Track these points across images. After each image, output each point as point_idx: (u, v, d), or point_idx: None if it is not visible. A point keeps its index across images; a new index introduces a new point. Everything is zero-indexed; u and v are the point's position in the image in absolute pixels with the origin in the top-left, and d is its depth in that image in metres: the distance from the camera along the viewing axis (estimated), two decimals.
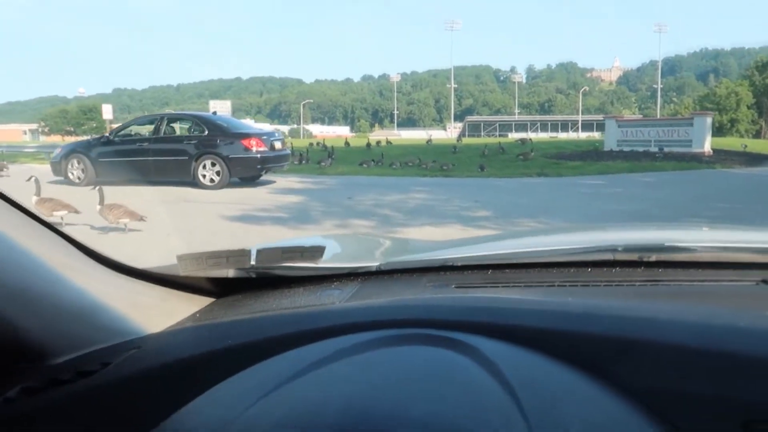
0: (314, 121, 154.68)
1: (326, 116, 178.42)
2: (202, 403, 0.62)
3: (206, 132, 11.06)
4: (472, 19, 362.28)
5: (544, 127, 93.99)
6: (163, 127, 11.47)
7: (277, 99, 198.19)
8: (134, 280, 0.83)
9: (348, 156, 19.02)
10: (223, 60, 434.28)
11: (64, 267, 0.71)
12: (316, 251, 0.89)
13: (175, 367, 0.69)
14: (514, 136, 62.89)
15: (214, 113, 12.58)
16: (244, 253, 0.84)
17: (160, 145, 11.10)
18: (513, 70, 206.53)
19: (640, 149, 19.25)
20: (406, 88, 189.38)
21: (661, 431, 0.52)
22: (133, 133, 11.91)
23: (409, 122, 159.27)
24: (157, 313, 0.79)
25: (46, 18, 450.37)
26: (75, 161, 11.49)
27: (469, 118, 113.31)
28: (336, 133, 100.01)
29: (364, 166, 16.68)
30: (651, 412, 0.53)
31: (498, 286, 0.83)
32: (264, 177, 12.01)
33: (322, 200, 9.07)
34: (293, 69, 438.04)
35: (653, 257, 0.87)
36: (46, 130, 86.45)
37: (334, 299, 0.79)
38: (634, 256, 0.87)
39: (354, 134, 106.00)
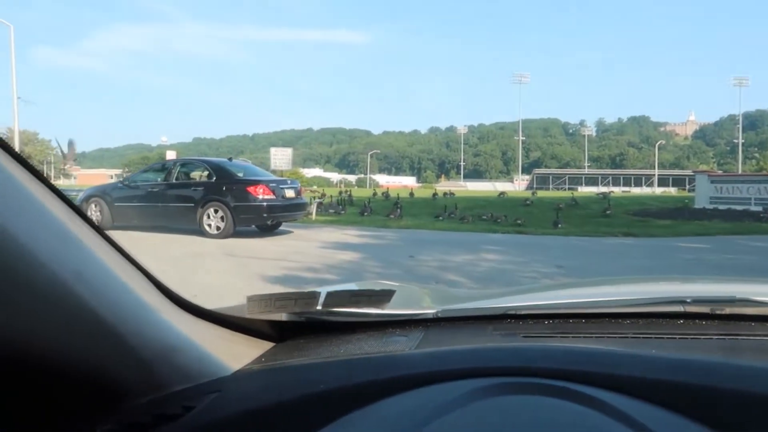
0: (381, 171, 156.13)
1: (393, 166, 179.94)
2: None
3: (214, 178, 10.64)
4: (540, 72, 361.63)
5: (615, 181, 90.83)
6: (175, 173, 11.19)
7: (346, 149, 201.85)
8: (202, 321, 0.82)
9: (412, 207, 18.06)
10: (295, 111, 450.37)
11: (148, 306, 0.69)
12: (385, 297, 0.88)
13: (258, 414, 0.67)
14: (584, 189, 61.00)
15: (230, 159, 11.95)
16: (313, 296, 0.84)
17: (169, 191, 10.86)
18: (582, 123, 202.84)
19: (738, 208, 17.37)
20: (473, 140, 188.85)
21: None
22: (149, 179, 11.63)
23: (475, 174, 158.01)
24: (226, 356, 0.77)
25: (134, 70, 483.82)
26: (93, 205, 11.51)
27: (537, 170, 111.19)
28: (402, 183, 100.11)
29: (440, 218, 15.77)
30: None
31: (568, 337, 0.80)
32: (319, 229, 11.16)
33: (380, 258, 8.00)
34: (362, 121, 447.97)
35: (725, 310, 0.85)
36: (129, 175, 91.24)
37: (403, 346, 0.77)
38: (705, 309, 0.85)
39: (420, 185, 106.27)
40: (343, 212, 17.13)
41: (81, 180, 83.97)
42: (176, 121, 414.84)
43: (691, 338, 0.78)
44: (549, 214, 16.56)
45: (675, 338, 0.78)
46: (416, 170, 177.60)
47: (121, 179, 12.24)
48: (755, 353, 0.72)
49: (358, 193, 27.98)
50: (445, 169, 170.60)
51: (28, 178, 0.57)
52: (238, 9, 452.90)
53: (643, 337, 0.78)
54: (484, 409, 0.59)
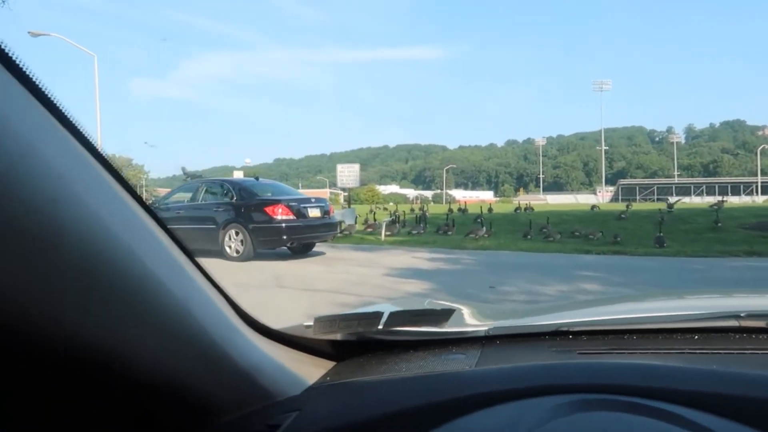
0: (458, 186, 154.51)
1: (469, 181, 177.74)
2: None
3: (234, 199, 10.04)
4: (622, 78, 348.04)
5: (710, 190, 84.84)
6: (201, 195, 10.64)
7: (422, 165, 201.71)
8: (271, 340, 0.84)
9: (492, 224, 16.55)
10: (372, 129, 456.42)
11: (228, 326, 0.71)
12: (444, 316, 0.90)
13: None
14: (673, 200, 56.45)
15: (257, 178, 11.26)
16: (377, 316, 0.86)
17: (194, 213, 10.40)
18: (670, 130, 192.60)
19: None
20: (552, 152, 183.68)
21: None
22: (177, 202, 11.17)
23: (555, 186, 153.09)
24: (296, 375, 0.80)
25: (220, 96, 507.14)
26: None
27: (623, 181, 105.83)
28: (479, 197, 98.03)
29: (528, 237, 14.15)
30: None
31: (624, 353, 0.79)
32: (386, 252, 10.00)
33: (453, 290, 6.62)
34: (438, 136, 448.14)
35: None
36: None
37: (463, 364, 0.79)
38: (761, 323, 0.84)
39: (498, 199, 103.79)
40: (421, 231, 15.72)
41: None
42: (259, 143, 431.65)
43: (749, 353, 0.77)
44: (648, 229, 14.66)
45: (732, 353, 0.77)
46: (494, 184, 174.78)
47: (151, 201, 11.87)
48: None
49: (434, 209, 26.64)
50: (523, 183, 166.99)
51: (140, 209, 0.59)
52: (317, 33, 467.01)
53: (700, 353, 0.78)
54: (566, 425, 0.59)
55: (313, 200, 10.50)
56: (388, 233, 15.31)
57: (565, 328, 0.90)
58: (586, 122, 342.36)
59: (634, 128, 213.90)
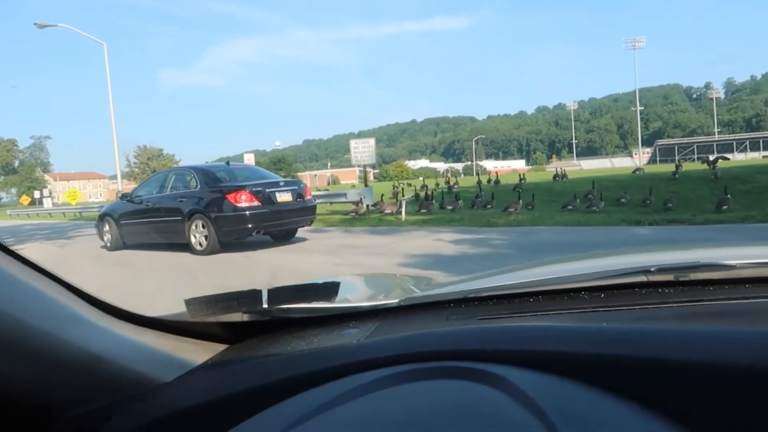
0: (488, 156, 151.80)
1: (500, 151, 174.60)
2: None
3: (198, 186, 9.12)
4: (656, 35, 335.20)
5: (754, 145, 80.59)
6: (169, 184, 9.75)
7: (451, 137, 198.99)
8: (144, 329, 0.80)
9: (526, 195, 15.03)
10: (399, 105, 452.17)
11: (65, 318, 0.68)
12: (331, 289, 0.89)
13: (184, 417, 0.68)
14: (713, 158, 53.84)
15: (227, 163, 10.17)
16: (255, 294, 0.82)
17: (160, 204, 9.60)
18: (708, 85, 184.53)
19: None
20: (584, 116, 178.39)
21: None
22: (148, 193, 10.26)
23: (589, 151, 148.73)
24: (169, 363, 0.77)
25: (247, 81, 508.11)
26: (106, 225, 10.63)
27: (660, 141, 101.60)
28: (511, 167, 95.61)
29: (569, 208, 12.52)
30: None
31: (525, 316, 0.79)
32: (406, 234, 8.69)
33: None
34: (466, 107, 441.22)
35: (690, 276, 0.83)
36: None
37: (353, 338, 0.77)
38: (669, 277, 0.83)
39: (530, 167, 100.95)
40: (455, 207, 14.18)
41: None
42: (288, 126, 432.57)
43: (652, 307, 0.76)
44: (701, 192, 13.04)
45: (635, 309, 0.76)
46: (525, 153, 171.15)
47: (122, 194, 11.10)
48: (710, 317, 0.71)
49: (465, 182, 24.96)
50: (555, 149, 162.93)
51: None
52: (340, 11, 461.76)
53: (603, 310, 0.77)
54: (379, 397, 0.58)
55: (282, 183, 9.45)
56: (423, 211, 13.97)
57: (472, 295, 0.88)
58: (618, 83, 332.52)
59: (670, 86, 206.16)
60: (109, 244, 10.56)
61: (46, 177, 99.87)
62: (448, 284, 1.12)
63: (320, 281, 0.93)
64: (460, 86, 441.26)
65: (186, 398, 0.69)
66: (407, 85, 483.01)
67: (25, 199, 49.82)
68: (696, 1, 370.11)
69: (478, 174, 31.25)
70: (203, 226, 8.81)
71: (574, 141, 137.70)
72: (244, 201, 8.60)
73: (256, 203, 8.68)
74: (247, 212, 8.60)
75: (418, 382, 0.60)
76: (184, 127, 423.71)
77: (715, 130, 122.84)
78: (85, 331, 0.68)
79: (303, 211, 9.47)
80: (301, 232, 10.76)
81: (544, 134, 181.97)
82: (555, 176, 20.66)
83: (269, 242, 9.68)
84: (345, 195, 14.24)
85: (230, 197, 8.63)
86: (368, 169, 14.65)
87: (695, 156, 72.82)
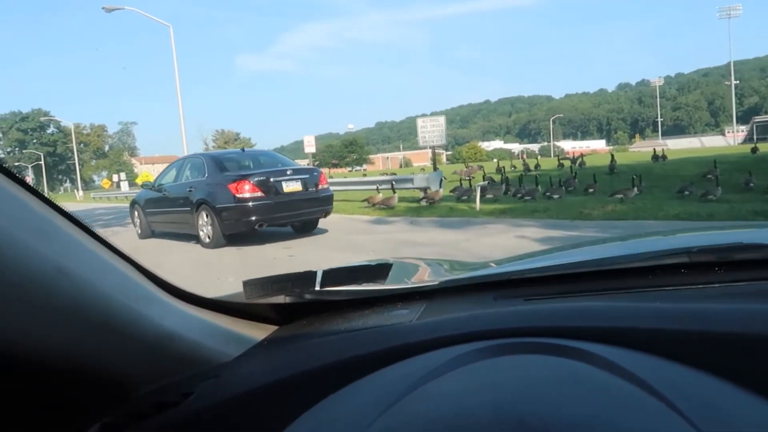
0: (565, 137, 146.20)
1: (578, 131, 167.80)
2: (310, 423, 0.60)
3: (206, 175, 8.50)
4: (749, 2, 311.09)
5: None
6: (184, 173, 9.21)
7: (526, 118, 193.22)
8: (202, 309, 0.82)
9: (617, 180, 13.08)
10: (472, 85, 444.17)
11: (139, 297, 0.70)
12: (382, 271, 0.91)
13: (258, 394, 0.70)
14: None
15: (242, 150, 9.73)
16: (310, 276, 0.85)
17: (174, 193, 9.10)
18: None
19: None
20: (671, 93, 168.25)
21: None
22: (167, 182, 9.77)
23: (675, 130, 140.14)
24: (230, 341, 0.79)
25: (319, 65, 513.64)
26: (135, 213, 10.40)
27: (758, 118, 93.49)
28: (590, 147, 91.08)
29: (687, 193, 10.56)
30: None
31: (570, 296, 0.79)
32: (481, 228, 7.29)
33: None
34: (542, 86, 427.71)
35: (732, 257, 0.82)
36: (316, 164, 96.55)
37: (405, 318, 0.78)
38: (712, 258, 0.83)
39: (610, 147, 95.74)
40: (528, 197, 12.11)
41: None
42: (360, 108, 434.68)
43: (698, 287, 0.76)
44: None
45: (680, 289, 0.77)
46: (605, 132, 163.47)
47: (143, 182, 10.97)
48: (757, 297, 0.71)
49: (543, 164, 22.83)
50: (639, 128, 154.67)
51: (21, 191, 0.57)
52: None
53: (648, 291, 0.77)
54: (474, 371, 0.59)
55: (289, 172, 8.43)
56: (489, 196, 12.37)
57: (516, 277, 0.88)
58: (709, 56, 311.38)
59: None
60: (139, 232, 10.27)
61: (133, 161, 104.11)
62: (486, 266, 1.11)
63: (373, 262, 0.93)
64: (535, 65, 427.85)
65: (255, 376, 0.71)
66: (479, 65, 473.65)
67: (106, 183, 51.59)
68: None
69: (558, 156, 28.69)
70: (208, 217, 8.21)
71: (659, 119, 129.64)
72: (246, 191, 7.92)
73: (259, 194, 7.98)
74: (250, 203, 7.91)
75: (505, 356, 0.60)
76: (259, 112, 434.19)
77: None
78: (157, 309, 0.70)
79: (315, 202, 8.61)
80: (359, 225, 9.56)
81: (626, 113, 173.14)
82: (653, 157, 18.33)
83: (301, 236, 8.80)
84: (411, 180, 12.79)
85: (232, 187, 7.96)
86: (439, 151, 13.15)
87: None
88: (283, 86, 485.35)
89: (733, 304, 0.65)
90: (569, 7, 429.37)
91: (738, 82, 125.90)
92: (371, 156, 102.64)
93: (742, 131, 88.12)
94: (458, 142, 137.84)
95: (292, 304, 0.86)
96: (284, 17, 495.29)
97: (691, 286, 0.76)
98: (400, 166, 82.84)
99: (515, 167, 21.02)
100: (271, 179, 8.17)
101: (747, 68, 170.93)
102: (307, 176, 8.62)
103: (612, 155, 18.09)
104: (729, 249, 0.84)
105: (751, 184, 10.51)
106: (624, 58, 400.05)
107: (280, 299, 0.85)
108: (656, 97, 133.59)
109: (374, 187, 13.80)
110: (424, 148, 13.35)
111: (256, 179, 8.05)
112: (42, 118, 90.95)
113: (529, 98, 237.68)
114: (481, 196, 11.76)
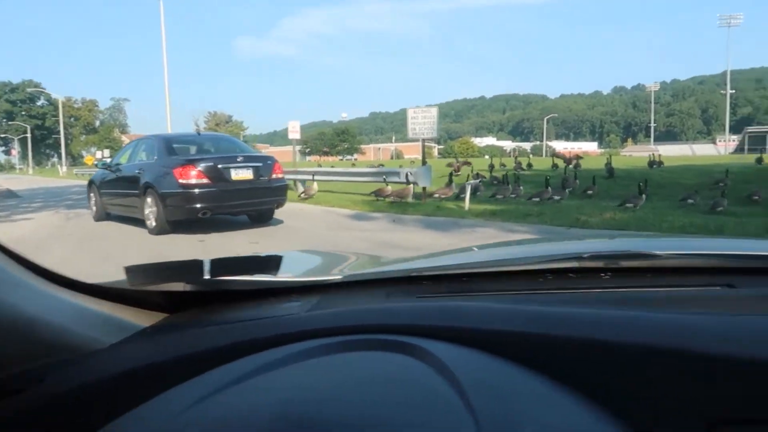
0: (558, 137, 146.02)
1: (571, 131, 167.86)
2: (135, 415, 0.59)
3: (156, 158, 8.07)
4: (750, 12, 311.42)
5: None
6: (138, 154, 8.76)
7: (520, 116, 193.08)
8: (80, 294, 0.80)
9: (613, 185, 12.43)
10: (468, 80, 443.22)
11: (7, 280, 0.69)
12: (273, 263, 0.89)
13: (116, 382, 0.69)
14: None
15: (198, 132, 9.16)
16: (197, 265, 0.81)
17: (126, 174, 8.63)
18: None
19: None
20: (666, 98, 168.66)
21: None
22: (120, 164, 9.31)
23: (668, 136, 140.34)
24: (107, 328, 0.77)
25: (319, 52, 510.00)
26: (91, 193, 9.96)
27: (750, 128, 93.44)
28: (581, 149, 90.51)
29: (690, 201, 9.92)
30: (615, 415, 0.53)
31: (463, 296, 0.83)
32: (470, 232, 6.70)
33: None
34: (538, 85, 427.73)
35: (619, 264, 0.88)
36: (307, 151, 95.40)
37: (293, 311, 0.78)
38: (599, 264, 0.87)
39: (602, 150, 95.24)
40: (513, 195, 11.73)
41: None
42: (355, 97, 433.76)
43: (582, 291, 0.80)
44: None
45: (565, 292, 0.80)
46: (597, 134, 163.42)
47: (101, 162, 10.66)
48: (634, 303, 0.74)
49: (536, 163, 22.05)
50: (631, 132, 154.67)
51: None
52: None
53: (534, 293, 0.81)
54: (307, 366, 0.60)
55: (240, 159, 7.92)
56: (500, 197, 11.60)
57: (413, 274, 0.90)
58: (705, 65, 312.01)
59: (764, 69, 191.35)
60: (94, 213, 9.85)
61: (123, 138, 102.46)
62: (391, 263, 1.11)
63: (263, 254, 0.90)
64: (533, 63, 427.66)
65: (120, 363, 0.69)
66: (477, 60, 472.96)
67: (89, 159, 50.30)
68: None
69: (552, 156, 27.90)
70: (153, 203, 7.72)
71: (652, 124, 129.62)
72: (191, 177, 7.46)
73: (204, 180, 7.52)
74: (195, 190, 7.46)
75: (348, 353, 0.62)
76: (255, 96, 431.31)
77: None
78: (21, 294, 0.68)
79: (266, 191, 8.13)
80: (339, 219, 8.84)
81: (620, 116, 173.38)
82: (650, 163, 17.71)
83: (270, 228, 8.16)
84: (398, 174, 11.88)
85: (176, 172, 7.47)
86: (430, 144, 12.36)
87: None
88: (280, 71, 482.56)
89: (597, 309, 0.65)
90: (571, 8, 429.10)
91: (733, 91, 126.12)
92: (363, 146, 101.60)
93: (734, 141, 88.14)
94: (451, 136, 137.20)
95: (184, 292, 0.83)
96: (287, 2, 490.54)
97: (576, 290, 0.80)
98: (392, 158, 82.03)
99: (505, 165, 20.25)
100: (219, 166, 7.71)
101: (743, 78, 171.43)
102: (259, 164, 8.11)
103: (610, 158, 17.33)
104: (616, 256, 0.90)
105: (756, 197, 9.84)
106: (621, 61, 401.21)
107: (170, 287, 0.81)
108: (651, 102, 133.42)
109: (359, 179, 13.25)
110: (415, 140, 12.50)
111: (202, 165, 7.61)
112: (31, 89, 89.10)
113: (525, 96, 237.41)
114: (473, 194, 11.03)
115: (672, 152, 74.71)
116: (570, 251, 0.96)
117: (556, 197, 10.99)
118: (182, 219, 7.70)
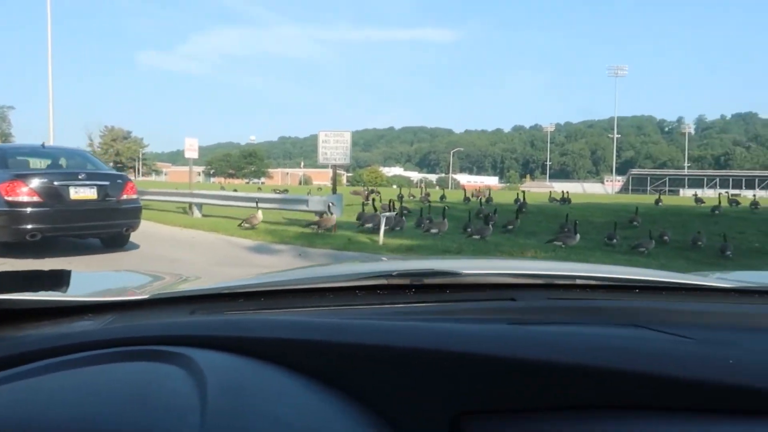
0: (462, 170, 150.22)
1: (474, 165, 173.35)
2: None
3: None
4: (633, 66, 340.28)
5: (723, 183, 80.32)
6: None
7: (427, 148, 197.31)
8: None
9: (523, 221, 12.24)
10: (378, 110, 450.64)
11: None
12: (61, 279, 0.83)
13: None
14: (686, 192, 53.93)
15: (43, 145, 8.19)
16: None
17: None
18: (680, 120, 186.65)
19: None
20: (560, 139, 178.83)
21: (377, 428, 0.54)
22: None
23: (561, 174, 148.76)
24: None
25: (227, 72, 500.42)
26: None
27: (634, 170, 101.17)
28: (484, 183, 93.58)
29: (614, 241, 9.77)
30: (378, 413, 0.56)
31: (269, 311, 0.85)
32: None
33: None
34: (445, 120, 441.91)
35: (423, 281, 0.96)
36: (211, 172, 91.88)
37: (87, 329, 0.75)
38: (405, 281, 0.95)
39: (503, 185, 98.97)
40: (435, 230, 10.69)
41: (172, 177, 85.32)
42: (264, 121, 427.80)
43: (387, 306, 0.87)
44: (749, 232, 10.57)
45: (371, 307, 0.86)
46: (499, 170, 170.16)
47: None
48: (431, 315, 0.81)
49: (443, 196, 21.85)
50: (529, 169, 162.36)
51: None
52: (328, 10, 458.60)
53: (342, 307, 0.85)
54: (60, 378, 0.58)
55: (82, 176, 7.16)
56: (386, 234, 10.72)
57: (223, 292, 0.90)
58: (595, 110, 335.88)
59: (644, 117, 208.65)
60: None
61: None
62: (237, 280, 1.10)
63: (47, 269, 0.84)
64: (441, 98, 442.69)
65: None
66: (388, 92, 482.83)
67: None
68: (672, 40, 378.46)
69: (456, 187, 28.18)
70: None
71: (548, 162, 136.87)
72: (21, 194, 6.64)
73: (36, 198, 6.70)
74: (26, 209, 6.64)
75: (113, 363, 0.60)
76: (160, 112, 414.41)
77: (686, 164, 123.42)
78: None
79: (114, 214, 7.26)
80: (235, 251, 7.88)
81: (519, 153, 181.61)
82: (561, 199, 17.94)
83: (146, 259, 7.14)
84: (306, 202, 11.12)
85: (2, 188, 6.62)
86: (340, 171, 11.64)
87: (666, 188, 72.01)
88: (187, 89, 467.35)
89: (386, 320, 0.68)
90: (476, 48, 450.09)
91: (619, 135, 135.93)
92: (270, 170, 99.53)
93: (619, 181, 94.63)
94: (360, 165, 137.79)
95: None
96: (196, 17, 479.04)
97: (382, 305, 0.86)
98: (300, 183, 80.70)
99: (414, 196, 19.89)
100: (56, 183, 6.86)
101: (626, 124, 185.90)
102: (106, 183, 7.21)
103: (523, 193, 17.12)
104: (421, 274, 0.98)
105: (666, 237, 9.92)
106: (521, 102, 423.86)
107: None
108: (547, 142, 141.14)
109: (248, 204, 12.10)
110: (325, 166, 11.72)
111: (35, 181, 6.74)
112: None
113: (432, 129, 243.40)
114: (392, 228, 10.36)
115: (565, 189, 78.59)
116: (382, 270, 1.01)
117: (477, 235, 10.30)
118: (9, 241, 6.72)
